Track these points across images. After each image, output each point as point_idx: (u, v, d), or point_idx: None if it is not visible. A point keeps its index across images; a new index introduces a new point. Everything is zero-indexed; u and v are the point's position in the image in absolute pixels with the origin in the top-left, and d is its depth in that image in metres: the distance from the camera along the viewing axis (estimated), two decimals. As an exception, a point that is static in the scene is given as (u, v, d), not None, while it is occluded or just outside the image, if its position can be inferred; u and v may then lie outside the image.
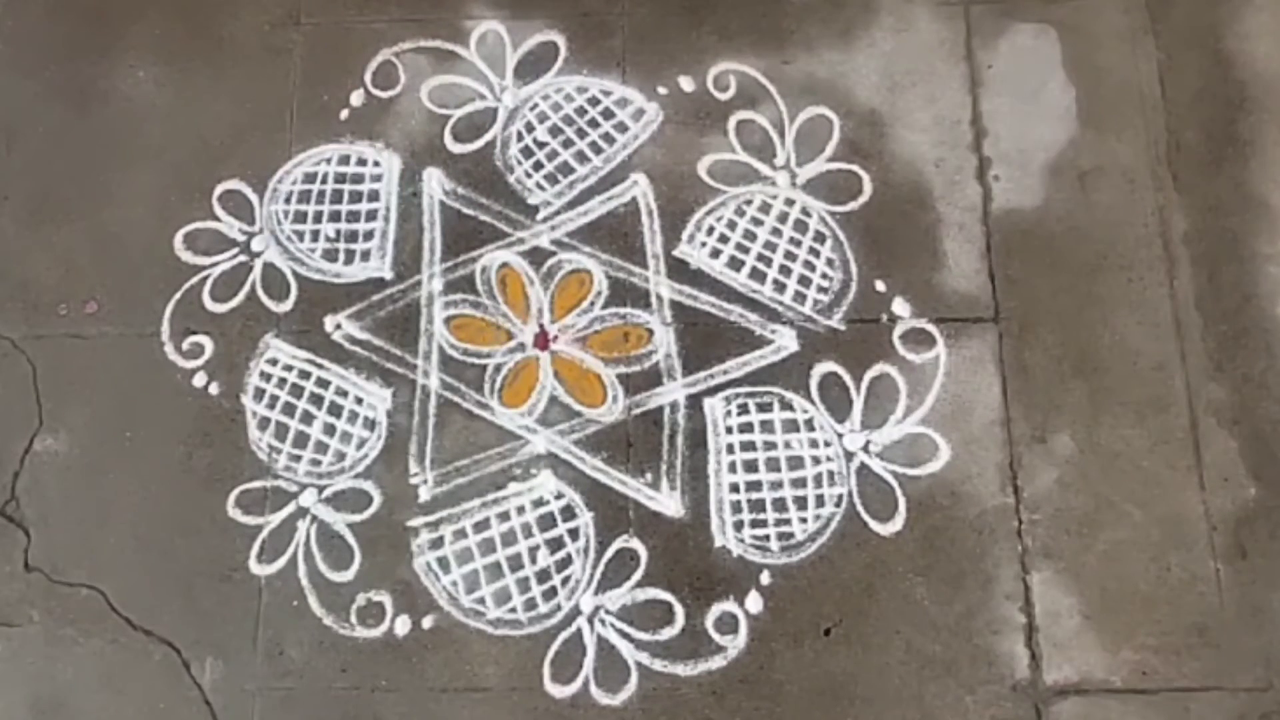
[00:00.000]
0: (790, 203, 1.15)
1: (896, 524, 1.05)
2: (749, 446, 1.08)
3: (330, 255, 1.17)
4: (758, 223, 1.15)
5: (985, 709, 1.00)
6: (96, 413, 1.13)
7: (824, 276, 1.13)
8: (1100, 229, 1.13)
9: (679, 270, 1.14)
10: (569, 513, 1.07)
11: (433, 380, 1.12)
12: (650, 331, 1.12)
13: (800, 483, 1.07)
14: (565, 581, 1.05)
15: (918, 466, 1.07)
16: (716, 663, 1.02)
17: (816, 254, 1.14)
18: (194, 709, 1.04)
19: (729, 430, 1.08)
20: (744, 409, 1.09)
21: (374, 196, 1.18)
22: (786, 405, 1.09)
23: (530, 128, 1.20)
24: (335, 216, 1.18)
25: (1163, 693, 1.00)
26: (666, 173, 1.17)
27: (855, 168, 1.16)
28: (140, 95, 1.24)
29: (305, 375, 1.13)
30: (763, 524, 1.05)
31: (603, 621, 1.04)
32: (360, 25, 1.25)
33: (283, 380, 1.13)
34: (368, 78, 1.23)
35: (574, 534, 1.06)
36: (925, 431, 1.07)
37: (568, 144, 1.19)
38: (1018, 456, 1.06)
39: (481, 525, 1.07)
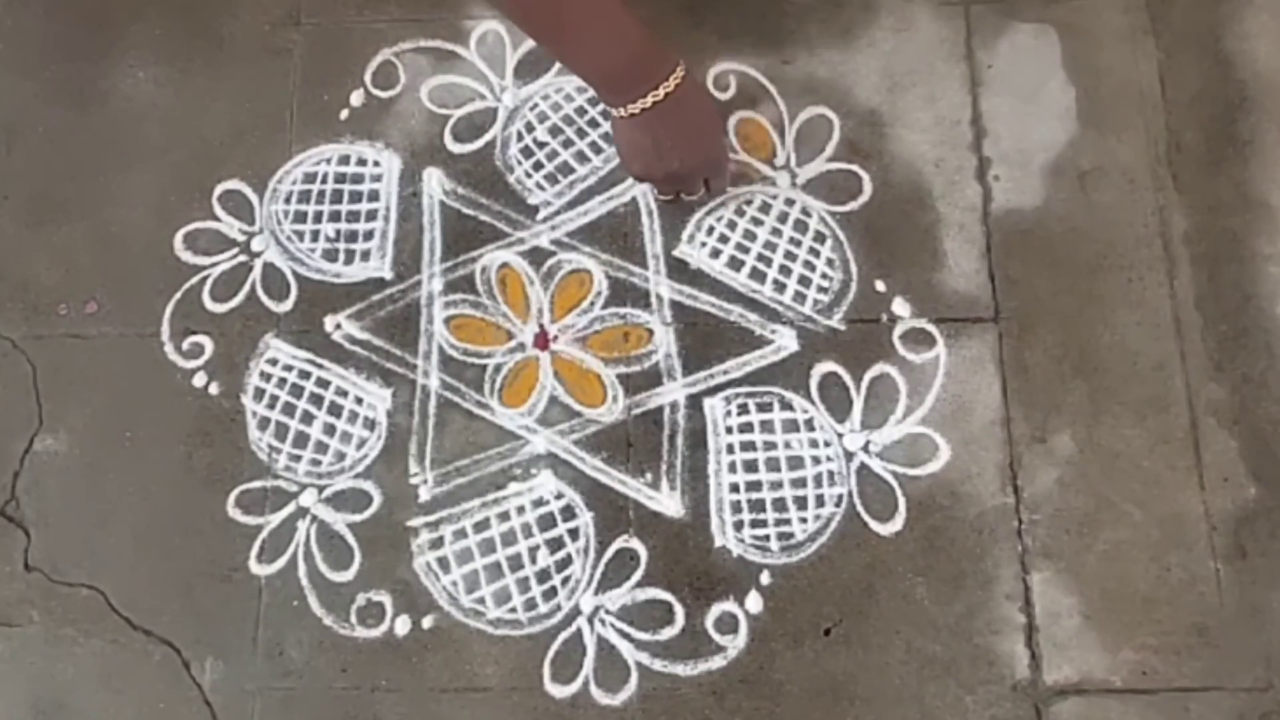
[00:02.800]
0: (790, 203, 1.15)
1: (896, 524, 1.05)
2: (749, 446, 1.08)
3: (330, 255, 1.17)
4: (758, 223, 1.15)
5: (985, 709, 1.00)
6: (96, 413, 1.13)
7: (824, 276, 1.13)
8: (1100, 229, 1.13)
9: (679, 270, 1.14)
10: (569, 513, 1.07)
11: (433, 380, 1.12)
12: (650, 331, 1.12)
13: (800, 483, 1.06)
14: (565, 581, 1.05)
15: (918, 466, 1.06)
16: (716, 663, 1.02)
17: (816, 254, 1.14)
18: (194, 709, 1.04)
19: (729, 430, 1.08)
20: (744, 409, 1.09)
21: (374, 196, 1.18)
22: (786, 405, 1.09)
23: (530, 128, 1.20)
24: (335, 216, 1.18)
25: (1163, 693, 1.00)
26: (666, 173, 1.17)
27: (855, 168, 1.16)
28: (140, 95, 1.24)
29: (305, 375, 1.13)
30: (763, 524, 1.05)
31: (603, 621, 1.04)
32: (360, 25, 1.25)
33: (283, 380, 1.13)
34: (368, 78, 1.23)
35: (574, 534, 1.06)
36: (925, 431, 1.07)
37: (568, 144, 1.19)
38: (1018, 456, 1.06)
39: (481, 525, 1.07)
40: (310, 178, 1.20)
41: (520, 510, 1.08)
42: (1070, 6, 1.20)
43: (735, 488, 1.07)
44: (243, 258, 1.18)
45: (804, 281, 1.13)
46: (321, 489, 1.09)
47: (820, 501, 1.06)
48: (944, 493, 1.06)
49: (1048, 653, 1.01)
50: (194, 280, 1.17)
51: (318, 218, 1.18)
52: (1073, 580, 1.03)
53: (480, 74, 1.22)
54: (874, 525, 1.05)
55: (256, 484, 1.10)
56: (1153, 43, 1.19)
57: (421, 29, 1.24)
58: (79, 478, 1.11)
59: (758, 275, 1.13)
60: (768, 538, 1.05)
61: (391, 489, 1.09)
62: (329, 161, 1.20)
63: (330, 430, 1.11)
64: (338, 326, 1.14)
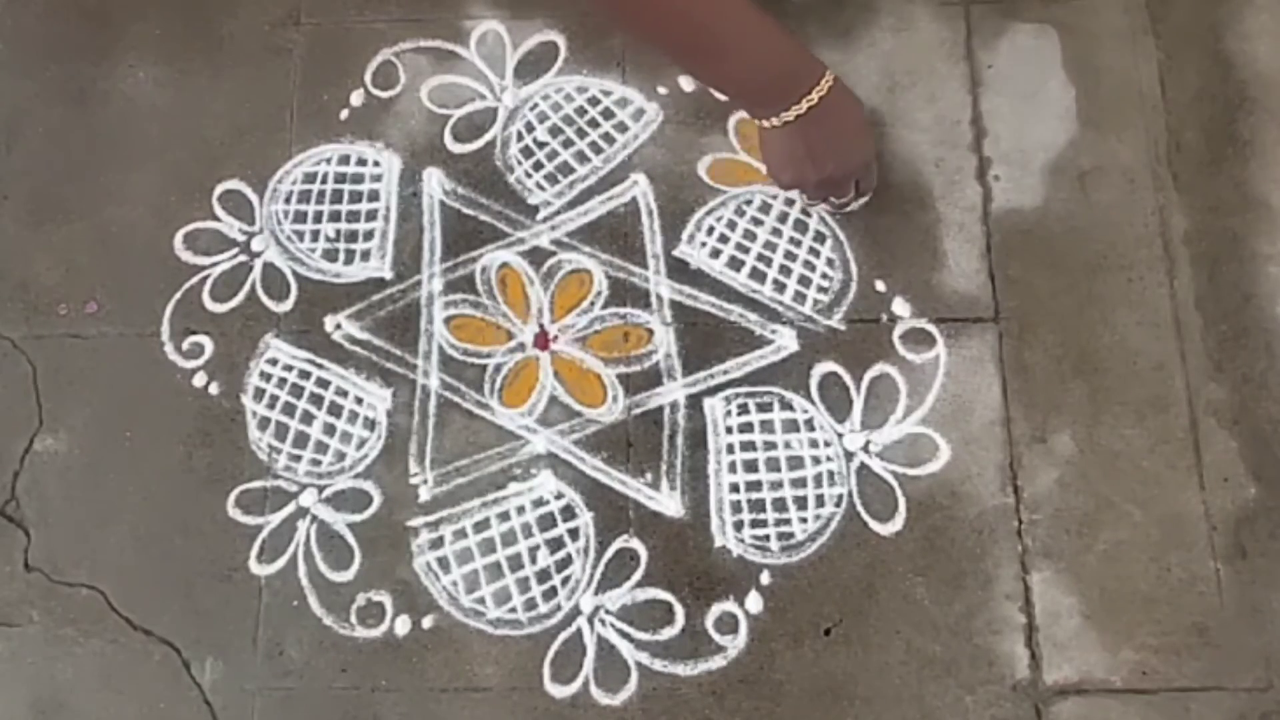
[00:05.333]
0: (790, 203, 1.15)
1: (896, 524, 1.05)
2: (749, 446, 1.08)
3: (330, 255, 1.17)
4: (758, 223, 1.15)
5: (985, 709, 1.00)
6: (96, 413, 1.13)
7: (824, 276, 1.13)
8: (1100, 229, 1.13)
9: (679, 270, 1.14)
10: (569, 513, 1.07)
11: (433, 380, 1.12)
12: (650, 331, 1.12)
13: (800, 483, 1.06)
14: (565, 581, 1.05)
15: (918, 466, 1.06)
16: (716, 663, 1.02)
17: (816, 254, 1.14)
18: (194, 709, 1.04)
19: (729, 430, 1.08)
20: (744, 409, 1.09)
21: (374, 196, 1.18)
22: (786, 405, 1.09)
23: (530, 128, 1.20)
24: (335, 216, 1.18)
25: (1163, 693, 1.00)
26: (666, 173, 1.17)
27: (855, 167, 1.16)
28: (140, 95, 1.24)
29: (305, 375, 1.13)
30: (763, 524, 1.05)
31: (603, 621, 1.04)
32: (360, 25, 1.25)
33: (283, 380, 1.13)
34: (368, 78, 1.23)
35: (574, 534, 1.06)
36: (925, 431, 1.07)
37: (568, 144, 1.19)
38: (1018, 456, 1.06)
39: (481, 525, 1.07)
40: (310, 178, 1.20)
41: (520, 510, 1.08)
42: (1070, 6, 1.20)
43: (735, 488, 1.07)
44: (243, 258, 1.18)
45: (804, 281, 1.13)
46: (321, 489, 1.09)
47: (820, 501, 1.06)
48: (944, 493, 1.06)
49: (1048, 653, 1.01)
50: (194, 280, 1.17)
51: (318, 218, 1.18)
52: (1073, 580, 1.03)
53: (480, 74, 1.22)
54: (874, 525, 1.05)
55: (256, 484, 1.10)
56: (1153, 43, 1.19)
57: (421, 29, 1.24)
58: (79, 478, 1.11)
59: (758, 275, 1.13)
60: (768, 538, 1.05)
61: (391, 489, 1.09)
62: (329, 161, 1.20)
63: (330, 430, 1.11)
64: (338, 326, 1.14)
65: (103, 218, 1.20)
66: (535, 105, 1.21)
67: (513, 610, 1.05)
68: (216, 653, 1.05)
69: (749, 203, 1.16)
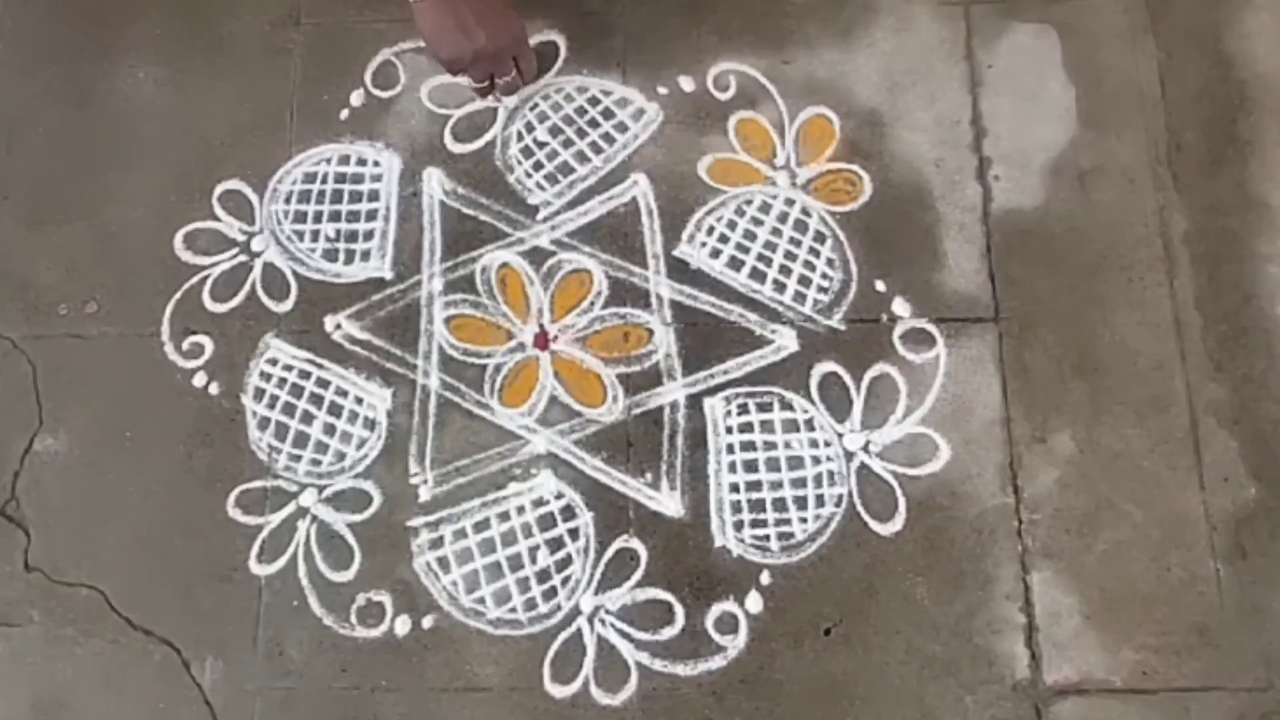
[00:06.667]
0: (790, 203, 1.15)
1: (896, 524, 1.05)
2: (749, 446, 1.08)
3: (330, 255, 1.17)
4: (758, 223, 1.15)
5: (985, 709, 1.00)
6: (96, 413, 1.13)
7: (824, 276, 1.13)
8: (1100, 229, 1.13)
9: (679, 270, 1.14)
10: (569, 513, 1.07)
11: (433, 380, 1.12)
12: (650, 331, 1.12)
13: (800, 483, 1.06)
14: (565, 581, 1.05)
15: (918, 466, 1.06)
16: (716, 663, 1.02)
17: (816, 254, 1.14)
18: (194, 709, 1.04)
19: (729, 430, 1.08)
20: (744, 409, 1.09)
21: (374, 196, 1.18)
22: (786, 405, 1.09)
23: (530, 128, 1.20)
24: (335, 216, 1.18)
25: (1163, 693, 1.00)
26: (666, 173, 1.17)
27: (855, 168, 1.16)
28: (140, 95, 1.24)
29: (305, 375, 1.13)
30: (763, 524, 1.05)
31: (603, 621, 1.04)
32: (360, 25, 1.25)
33: (283, 380, 1.13)
34: (368, 78, 1.23)
35: (574, 534, 1.06)
36: (925, 431, 1.07)
37: (568, 144, 1.19)
38: (1018, 456, 1.06)
39: (481, 525, 1.07)
40: (310, 178, 1.20)
41: (520, 510, 1.08)
42: (1070, 6, 1.20)
43: (735, 488, 1.07)
44: (243, 258, 1.18)
45: (804, 281, 1.13)
46: (321, 489, 1.09)
47: (820, 501, 1.06)
48: (944, 493, 1.06)
49: (1048, 653, 1.01)
50: (194, 280, 1.17)
51: (318, 218, 1.18)
52: (1073, 580, 1.03)
53: (480, 74, 1.22)
54: (874, 525, 1.05)
55: (256, 484, 1.10)
56: (1153, 43, 1.19)
57: (421, 29, 1.24)
58: (79, 478, 1.11)
59: (758, 275, 1.13)
60: (768, 538, 1.05)
61: (391, 489, 1.09)
62: (329, 161, 1.20)
63: (330, 430, 1.11)
64: (338, 326, 1.14)
65: (103, 218, 1.20)
66: (535, 105, 1.21)
67: (513, 610, 1.05)
68: (216, 653, 1.05)
69: (749, 203, 1.16)
